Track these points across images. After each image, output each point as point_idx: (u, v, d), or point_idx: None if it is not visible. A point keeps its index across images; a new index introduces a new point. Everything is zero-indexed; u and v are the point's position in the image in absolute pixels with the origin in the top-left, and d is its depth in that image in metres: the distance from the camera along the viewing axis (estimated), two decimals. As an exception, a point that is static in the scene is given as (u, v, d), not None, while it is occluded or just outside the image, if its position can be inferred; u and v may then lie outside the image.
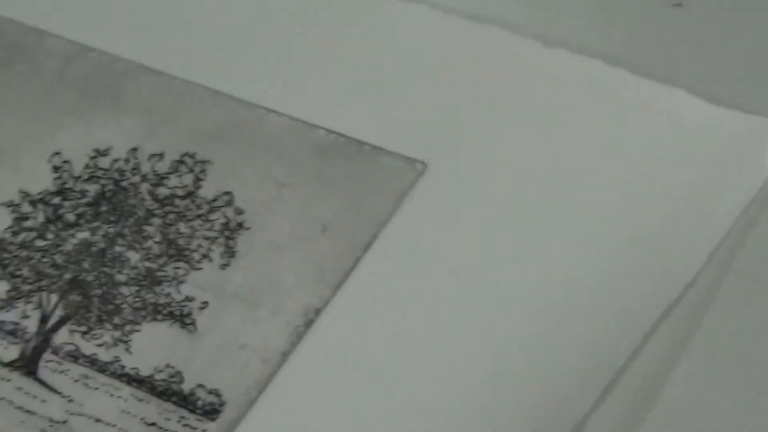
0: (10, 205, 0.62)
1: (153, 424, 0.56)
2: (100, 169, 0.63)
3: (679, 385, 0.57)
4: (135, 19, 0.69)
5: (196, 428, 0.55)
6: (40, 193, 0.62)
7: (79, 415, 0.56)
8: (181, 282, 0.59)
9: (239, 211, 0.60)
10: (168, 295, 0.59)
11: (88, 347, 0.58)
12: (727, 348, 0.58)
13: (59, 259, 0.61)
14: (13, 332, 0.59)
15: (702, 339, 0.58)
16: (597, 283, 0.58)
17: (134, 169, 0.63)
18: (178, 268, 0.60)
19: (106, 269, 0.60)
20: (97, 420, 0.56)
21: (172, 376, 0.57)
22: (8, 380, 0.58)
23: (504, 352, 0.56)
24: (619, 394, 0.57)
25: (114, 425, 0.56)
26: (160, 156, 0.63)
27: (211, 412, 0.56)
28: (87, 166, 0.63)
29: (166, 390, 0.56)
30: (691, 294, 0.59)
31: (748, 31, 0.68)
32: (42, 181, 0.63)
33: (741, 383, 0.57)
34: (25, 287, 0.60)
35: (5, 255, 0.61)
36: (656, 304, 0.58)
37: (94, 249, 0.61)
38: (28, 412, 0.57)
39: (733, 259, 0.60)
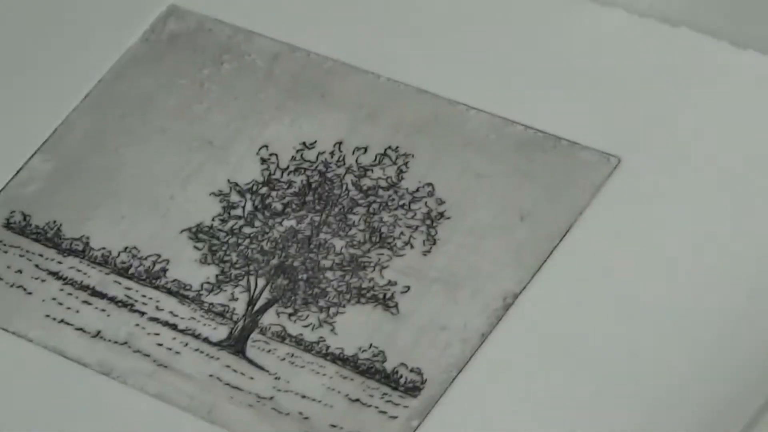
0: (220, 194, 0.65)
1: (357, 400, 0.58)
2: (306, 161, 0.65)
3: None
4: (340, 19, 0.71)
5: (398, 404, 0.58)
6: (248, 184, 0.65)
7: (286, 391, 0.59)
8: (384, 267, 0.61)
9: (440, 202, 0.62)
10: (371, 279, 0.61)
11: (294, 328, 0.61)
12: None
13: (266, 245, 0.64)
14: (222, 314, 0.62)
15: None
16: None
17: (339, 161, 0.65)
18: (381, 254, 0.62)
19: (312, 255, 0.63)
20: (303, 396, 0.59)
21: (375, 356, 0.59)
22: (217, 359, 0.61)
23: (690, 347, 0.57)
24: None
25: (319, 401, 0.59)
26: (364, 149, 0.65)
27: (413, 390, 0.58)
28: (293, 159, 0.66)
29: (370, 368, 0.59)
30: None
31: None
32: (250, 173, 0.66)
33: None
34: (234, 272, 0.63)
35: (214, 241, 0.64)
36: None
37: (300, 236, 0.64)
38: (236, 388, 0.60)
39: None
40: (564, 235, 0.61)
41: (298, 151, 0.66)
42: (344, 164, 0.65)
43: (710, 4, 0.70)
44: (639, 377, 0.58)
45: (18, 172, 0.69)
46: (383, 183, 0.64)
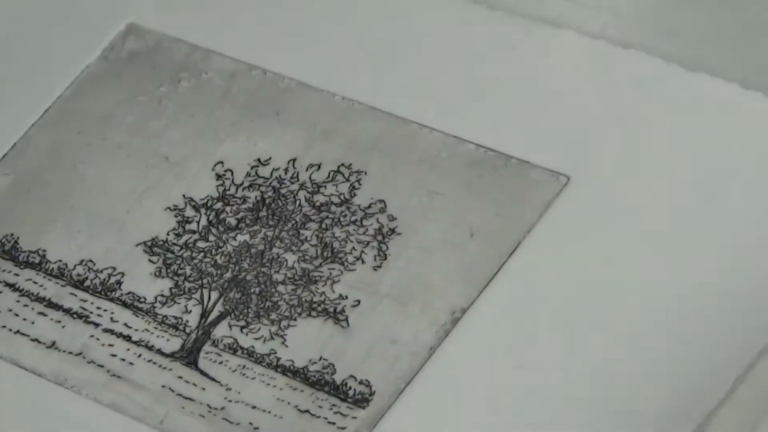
0: (175, 209, 0.66)
1: (306, 411, 0.59)
2: (261, 177, 0.66)
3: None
4: (297, 38, 0.72)
5: (346, 415, 0.59)
6: (203, 199, 0.66)
7: (237, 402, 0.60)
8: (336, 282, 0.62)
9: (392, 218, 0.63)
10: (323, 293, 0.62)
11: (246, 340, 0.62)
12: None
13: (220, 259, 0.65)
14: (175, 326, 0.63)
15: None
16: (726, 287, 0.60)
17: (293, 177, 0.66)
18: (332, 269, 0.63)
19: (264, 269, 0.64)
20: (254, 407, 0.60)
21: (325, 368, 0.60)
22: (170, 370, 0.62)
23: (640, 351, 0.59)
24: (745, 391, 0.57)
25: (269, 412, 0.60)
26: (318, 166, 0.66)
27: (362, 401, 0.59)
28: (248, 175, 0.67)
29: (319, 380, 0.60)
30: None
31: None
32: (205, 188, 0.67)
33: None
34: (187, 285, 0.64)
35: (169, 255, 0.65)
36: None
37: (253, 250, 0.64)
38: (188, 398, 0.61)
39: None
40: (512, 252, 0.62)
41: (252, 167, 0.67)
42: (298, 180, 0.66)
43: (661, 28, 0.70)
44: (586, 388, 0.59)
45: None
46: (336, 199, 0.65)
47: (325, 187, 0.66)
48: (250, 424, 0.60)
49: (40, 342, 0.64)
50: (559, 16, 0.70)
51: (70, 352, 0.64)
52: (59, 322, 0.65)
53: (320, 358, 0.61)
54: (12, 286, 0.66)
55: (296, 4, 0.75)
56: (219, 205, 0.66)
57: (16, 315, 0.65)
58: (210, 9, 0.73)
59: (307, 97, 0.69)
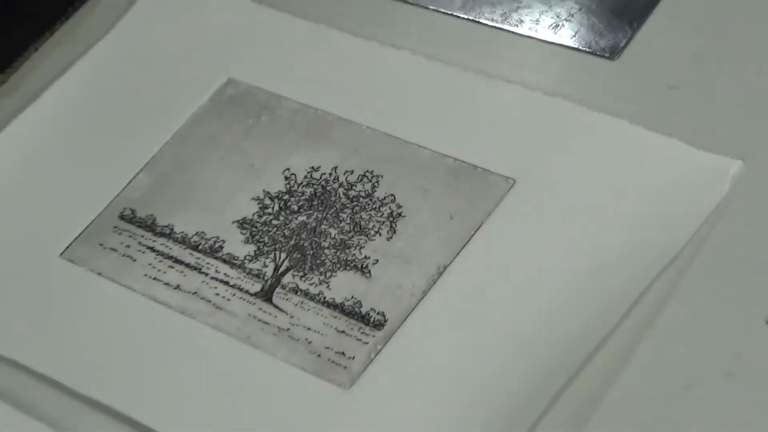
0: (257, 199, 0.67)
1: (342, 332, 0.61)
2: (314, 179, 0.67)
3: (627, 384, 0.56)
4: (337, 86, 0.72)
5: (368, 335, 0.61)
6: (276, 193, 0.67)
7: (297, 325, 0.62)
8: (362, 247, 0.64)
9: (399, 206, 0.65)
10: (353, 255, 0.64)
11: (303, 285, 0.64)
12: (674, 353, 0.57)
13: (287, 232, 0.66)
14: (258, 275, 0.65)
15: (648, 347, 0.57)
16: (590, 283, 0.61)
17: (334, 179, 0.67)
18: (360, 239, 0.65)
19: (316, 239, 0.65)
20: (308, 329, 0.62)
21: (355, 303, 0.62)
22: (254, 304, 0.64)
23: (544, 319, 0.60)
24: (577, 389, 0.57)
25: (318, 332, 0.61)
26: (351, 172, 0.67)
27: (379, 325, 0.61)
28: (305, 177, 0.68)
29: (351, 312, 0.62)
30: (644, 304, 0.59)
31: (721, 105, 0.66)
32: (278, 186, 0.68)
33: (690, 383, 0.55)
34: (265, 248, 0.65)
35: (254, 229, 0.66)
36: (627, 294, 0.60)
37: (308, 227, 0.66)
38: (265, 323, 0.62)
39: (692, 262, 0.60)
40: (477, 229, 0.64)
41: (308, 172, 0.67)
42: (338, 181, 0.67)
43: (578, 84, 0.70)
44: (528, 332, 0.60)
45: (129, 183, 0.69)
46: (362, 194, 0.66)
47: (356, 186, 0.67)
48: (306, 339, 0.62)
49: (169, 285, 0.65)
50: (506, 74, 0.70)
51: (189, 292, 0.65)
52: (182, 272, 0.66)
53: (352, 297, 0.63)
54: (151, 249, 0.67)
55: (337, 66, 0.73)
56: (286, 197, 0.67)
57: (154, 267, 0.66)
58: (281, 68, 0.72)
59: (344, 127, 0.69)
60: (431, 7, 0.73)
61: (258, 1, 0.77)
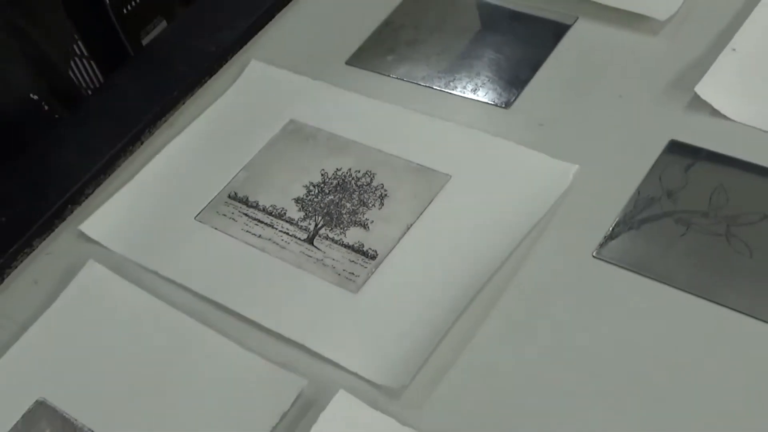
0: (305, 186, 0.63)
1: (353, 261, 0.57)
2: (338, 175, 0.63)
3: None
4: (352, 122, 0.66)
5: (367, 263, 0.57)
6: (316, 183, 0.63)
7: (326, 257, 0.58)
8: (364, 213, 0.60)
9: (385, 190, 0.61)
10: (359, 218, 0.60)
11: (332, 234, 0.60)
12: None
13: (322, 205, 0.62)
14: (305, 229, 0.60)
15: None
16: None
17: (349, 175, 0.63)
18: (363, 209, 0.61)
19: (338, 209, 0.61)
20: (333, 259, 0.58)
21: (360, 245, 0.59)
22: (302, 245, 0.59)
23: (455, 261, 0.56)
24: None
25: (339, 261, 0.57)
26: (358, 171, 0.63)
27: (373, 257, 0.57)
28: (332, 174, 0.63)
29: (358, 249, 0.58)
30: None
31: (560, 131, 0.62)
32: (317, 179, 0.63)
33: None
34: (309, 214, 0.61)
35: (303, 203, 0.62)
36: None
37: (334, 202, 0.62)
38: (309, 256, 0.59)
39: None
40: (429, 203, 0.60)
41: (334, 171, 0.64)
42: (351, 176, 0.63)
43: (493, 121, 0.65)
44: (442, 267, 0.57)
45: (233, 177, 0.65)
46: (364, 183, 0.62)
47: (360, 179, 0.63)
48: (332, 265, 0.58)
49: (254, 235, 0.61)
50: (446, 116, 0.65)
51: (266, 238, 0.61)
52: (262, 228, 0.62)
53: (358, 241, 0.59)
54: (245, 214, 0.63)
55: (351, 111, 0.68)
56: (322, 185, 0.63)
57: (246, 225, 0.62)
58: (319, 113, 0.68)
59: (355, 146, 0.65)
60: (405, 79, 0.69)
61: (300, 74, 0.71)
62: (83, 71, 1.19)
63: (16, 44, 0.69)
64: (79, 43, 1.09)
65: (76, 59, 1.16)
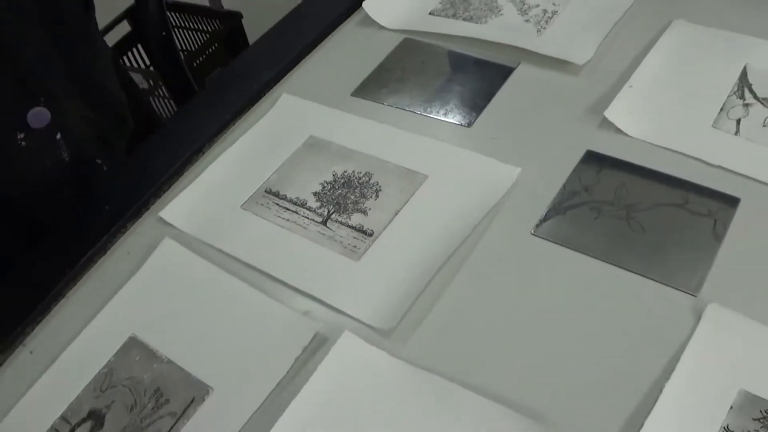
0: (321, 183, 0.62)
1: (355, 237, 0.56)
2: (345, 176, 0.61)
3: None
4: (355, 140, 0.64)
5: (366, 239, 0.56)
6: (329, 181, 0.62)
7: (336, 234, 0.57)
8: (364, 203, 0.59)
9: (380, 187, 0.60)
10: (360, 206, 0.58)
11: (339, 218, 0.58)
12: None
13: (333, 197, 0.61)
14: (320, 214, 0.59)
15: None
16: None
17: (353, 175, 0.62)
18: (364, 200, 0.60)
19: (345, 199, 0.61)
20: (341, 236, 0.57)
21: (360, 225, 0.58)
22: (318, 226, 0.58)
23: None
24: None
25: (345, 237, 0.56)
26: (361, 172, 0.62)
27: (371, 235, 0.57)
28: (341, 175, 0.62)
29: (359, 229, 0.56)
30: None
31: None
32: (329, 178, 0.62)
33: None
34: (324, 203, 0.60)
35: (320, 195, 0.60)
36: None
37: (342, 195, 0.60)
38: (323, 234, 0.57)
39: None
40: (411, 196, 0.60)
41: (342, 173, 0.63)
42: (354, 176, 0.62)
43: (459, 137, 0.64)
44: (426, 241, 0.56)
45: (268, 178, 0.64)
46: (364, 181, 0.61)
47: (361, 178, 0.62)
48: (340, 241, 0.57)
49: (283, 218, 0.60)
50: (425, 133, 0.63)
51: (291, 221, 0.59)
52: (289, 213, 0.61)
53: (359, 223, 0.58)
54: (276, 204, 0.62)
55: (355, 131, 0.66)
56: (333, 183, 0.62)
57: (277, 211, 0.60)
58: (332, 131, 0.66)
59: (358, 155, 0.63)
60: (395, 106, 0.67)
61: (318, 103, 0.70)
62: (164, 106, 1.24)
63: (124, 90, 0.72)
64: (162, 88, 1.14)
65: (159, 99, 1.21)
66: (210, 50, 1.41)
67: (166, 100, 1.37)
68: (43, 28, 0.56)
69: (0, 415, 0.49)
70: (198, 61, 1.39)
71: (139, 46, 1.35)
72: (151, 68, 1.36)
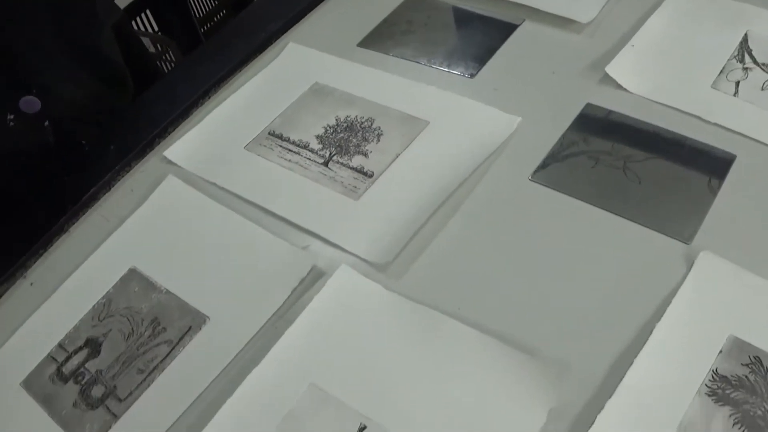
0: (324, 127, 0.60)
1: (356, 178, 0.55)
2: (347, 120, 0.60)
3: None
4: (358, 89, 0.62)
5: (366, 180, 0.54)
6: (332, 125, 0.60)
7: (337, 175, 0.56)
8: (365, 146, 0.57)
9: (381, 131, 0.58)
10: (362, 149, 0.57)
11: (340, 160, 0.57)
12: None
13: (335, 140, 0.59)
14: (322, 156, 0.58)
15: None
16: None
17: (356, 120, 0.60)
18: (366, 143, 0.58)
19: (347, 143, 0.58)
20: (342, 176, 0.56)
21: (361, 167, 0.57)
22: (320, 167, 0.57)
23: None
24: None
25: (346, 178, 0.55)
26: (363, 117, 0.60)
27: (370, 176, 0.55)
28: (344, 120, 0.60)
29: (360, 170, 0.56)
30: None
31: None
32: (332, 122, 0.60)
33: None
34: (326, 145, 0.59)
35: (322, 138, 0.59)
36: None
37: (344, 138, 0.58)
38: (324, 174, 0.56)
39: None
40: (412, 141, 0.58)
41: (344, 118, 0.60)
42: (357, 121, 0.60)
43: (462, 87, 0.61)
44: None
45: (272, 121, 0.61)
46: (366, 126, 0.59)
47: (363, 123, 0.60)
48: (341, 182, 0.56)
49: (285, 159, 0.58)
50: (431, 83, 0.62)
51: (294, 162, 0.58)
52: (291, 154, 0.59)
53: (360, 164, 0.57)
54: (279, 146, 0.60)
55: (360, 78, 0.63)
56: (336, 127, 0.60)
57: (281, 152, 0.59)
58: (337, 80, 0.64)
59: (360, 101, 0.61)
60: (400, 57, 0.65)
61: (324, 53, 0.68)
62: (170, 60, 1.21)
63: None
64: (170, 52, 1.11)
65: (168, 63, 1.18)
66: (219, 16, 1.39)
67: (172, 64, 1.34)
68: (44, 10, 0.59)
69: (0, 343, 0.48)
70: (207, 27, 1.37)
71: (148, 12, 1.33)
72: (159, 33, 1.33)
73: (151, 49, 1.32)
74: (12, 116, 0.59)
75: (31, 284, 0.52)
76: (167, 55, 1.34)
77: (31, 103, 0.59)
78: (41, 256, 0.54)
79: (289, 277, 0.49)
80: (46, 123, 0.62)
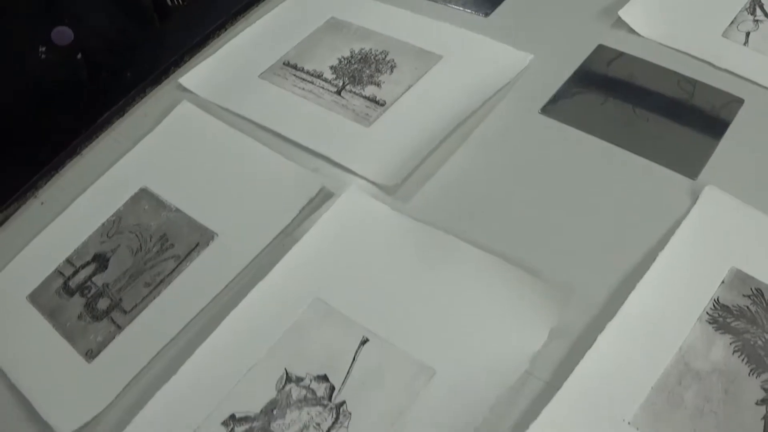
0: (339, 59, 0.58)
1: (368, 106, 0.54)
2: (362, 53, 0.58)
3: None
4: (374, 23, 0.60)
5: (378, 108, 0.53)
6: (347, 57, 0.58)
7: (350, 103, 0.54)
8: (379, 77, 0.56)
9: (395, 63, 0.57)
10: (375, 79, 0.56)
11: (354, 89, 0.55)
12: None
13: (349, 71, 0.57)
14: (336, 85, 0.56)
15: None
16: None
17: (370, 52, 0.58)
18: (378, 74, 0.56)
19: (360, 73, 0.57)
20: (355, 104, 0.54)
21: (374, 96, 0.54)
22: (333, 95, 0.56)
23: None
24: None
25: (358, 105, 0.53)
26: (378, 50, 0.58)
27: (383, 104, 0.53)
28: (358, 52, 0.58)
29: (373, 99, 0.54)
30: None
31: None
32: (347, 54, 0.58)
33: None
34: (340, 75, 0.57)
35: (336, 69, 0.58)
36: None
37: (358, 70, 0.57)
38: (336, 102, 0.55)
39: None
40: (425, 73, 0.56)
41: (359, 50, 0.59)
42: (371, 54, 0.58)
43: (477, 25, 0.59)
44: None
45: (287, 52, 0.60)
46: (380, 58, 0.58)
47: (378, 56, 0.58)
48: (353, 110, 0.54)
49: (298, 87, 0.57)
50: (445, 20, 0.60)
51: (308, 90, 0.57)
52: (305, 83, 0.58)
53: (372, 94, 0.55)
54: (294, 75, 0.58)
55: (376, 21, 0.61)
56: (351, 59, 0.58)
57: (295, 81, 0.58)
58: (355, 14, 0.62)
59: (376, 35, 0.59)
60: None
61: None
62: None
63: None
64: None
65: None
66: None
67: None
68: None
69: (8, 259, 0.48)
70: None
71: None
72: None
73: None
74: (44, 48, 0.58)
75: (42, 203, 0.52)
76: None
77: (63, 34, 0.58)
78: (53, 177, 0.54)
79: (297, 197, 0.48)
80: (79, 56, 0.60)
